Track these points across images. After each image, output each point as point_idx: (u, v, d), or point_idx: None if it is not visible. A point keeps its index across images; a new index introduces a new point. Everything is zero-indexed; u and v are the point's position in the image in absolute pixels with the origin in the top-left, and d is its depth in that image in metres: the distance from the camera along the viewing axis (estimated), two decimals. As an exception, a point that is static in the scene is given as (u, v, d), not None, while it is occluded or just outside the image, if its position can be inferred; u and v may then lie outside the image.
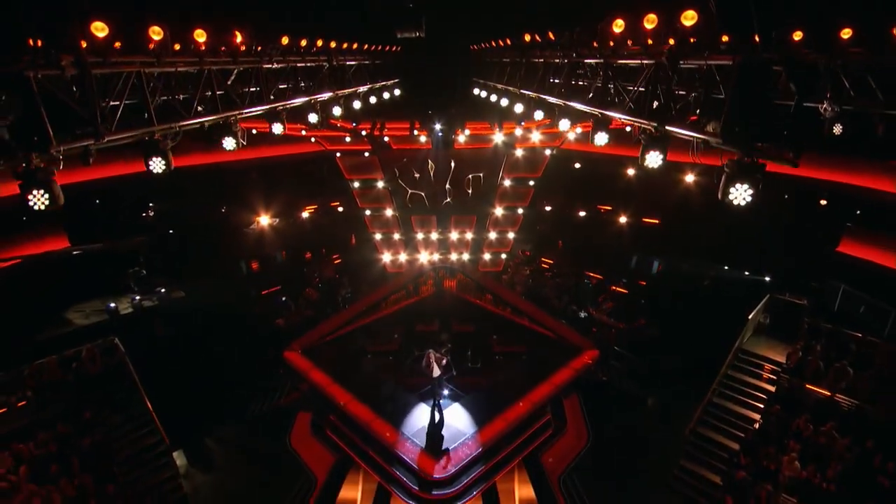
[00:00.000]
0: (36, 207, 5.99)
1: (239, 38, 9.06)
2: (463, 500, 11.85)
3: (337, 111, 12.87)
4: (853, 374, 12.92)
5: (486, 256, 19.80)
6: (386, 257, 19.58)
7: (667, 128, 7.16)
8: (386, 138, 17.39)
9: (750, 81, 5.58)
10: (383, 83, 14.95)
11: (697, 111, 6.98)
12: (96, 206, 16.45)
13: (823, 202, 15.87)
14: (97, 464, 12.14)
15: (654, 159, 7.50)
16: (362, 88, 13.92)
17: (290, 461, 13.34)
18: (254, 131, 16.51)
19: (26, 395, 12.84)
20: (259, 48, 9.80)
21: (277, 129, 11.00)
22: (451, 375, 14.19)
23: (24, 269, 15.08)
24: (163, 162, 7.67)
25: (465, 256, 19.44)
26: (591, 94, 9.41)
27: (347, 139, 17.38)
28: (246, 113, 9.46)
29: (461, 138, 17.13)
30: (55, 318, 15.37)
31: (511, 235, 19.61)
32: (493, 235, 19.53)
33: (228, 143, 9.11)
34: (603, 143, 9.21)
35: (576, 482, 12.49)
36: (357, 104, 13.69)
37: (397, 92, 15.44)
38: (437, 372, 13.30)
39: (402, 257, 19.43)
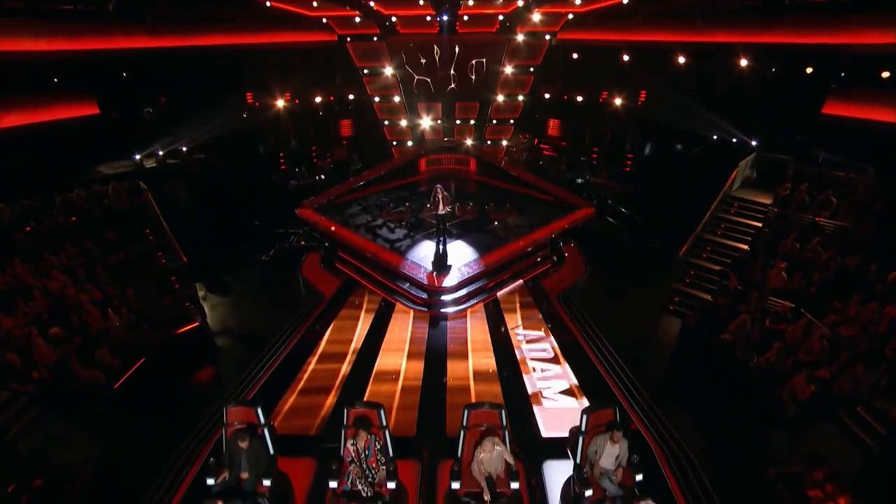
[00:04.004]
0: None
1: None
2: (465, 305, 11.57)
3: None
4: (836, 202, 12.50)
5: (488, 142, 19.29)
6: (394, 143, 19.09)
7: None
8: (394, 18, 16.80)
9: None
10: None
11: None
12: (123, 77, 15.97)
13: (809, 70, 15.26)
14: (121, 278, 11.89)
15: None
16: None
17: (300, 288, 13.07)
18: (268, 3, 16.07)
19: (57, 220, 12.53)
20: None
21: None
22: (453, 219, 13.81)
23: (61, 127, 14.74)
24: None
25: (469, 142, 18.95)
26: None
27: (357, 20, 16.81)
28: None
29: (465, 17, 16.56)
30: (87, 168, 14.95)
31: (511, 122, 19.08)
32: (494, 122, 19.01)
33: None
34: None
35: (573, 300, 12.13)
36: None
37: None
38: (442, 208, 12.88)
39: (409, 143, 18.92)
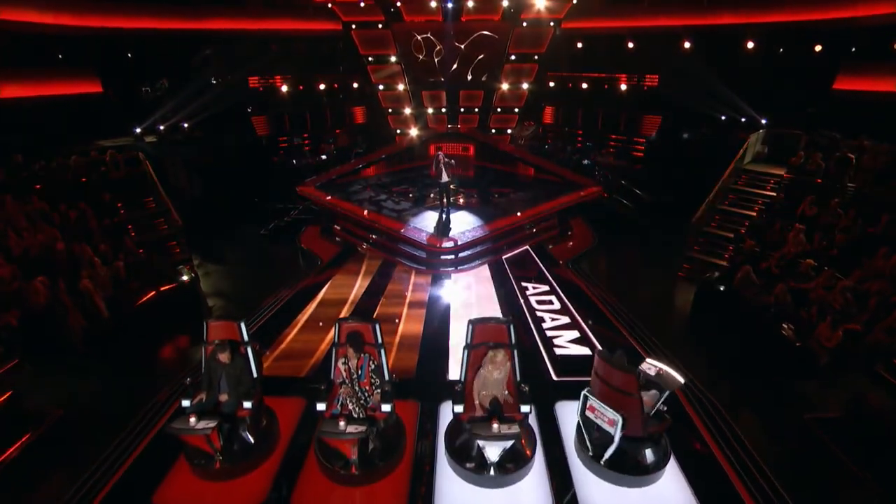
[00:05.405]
0: None
1: None
2: (469, 265, 10.96)
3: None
4: (854, 162, 11.92)
5: (493, 131, 18.92)
6: (398, 131, 18.75)
7: None
8: (398, 3, 16.68)
9: None
10: None
11: None
12: (127, 57, 15.84)
13: (818, 47, 14.91)
14: (114, 239, 11.37)
15: None
16: None
17: (298, 257, 12.53)
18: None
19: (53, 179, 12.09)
20: None
21: None
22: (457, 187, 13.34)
23: (63, 103, 14.52)
24: None
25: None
26: None
27: (362, 4, 16.67)
28: None
29: (470, 3, 16.42)
30: (87, 143, 14.62)
31: (516, 110, 18.74)
32: (499, 110, 18.68)
33: None
34: None
35: (582, 266, 11.47)
36: None
37: None
38: (444, 177, 12.43)
39: (413, 132, 18.54)
